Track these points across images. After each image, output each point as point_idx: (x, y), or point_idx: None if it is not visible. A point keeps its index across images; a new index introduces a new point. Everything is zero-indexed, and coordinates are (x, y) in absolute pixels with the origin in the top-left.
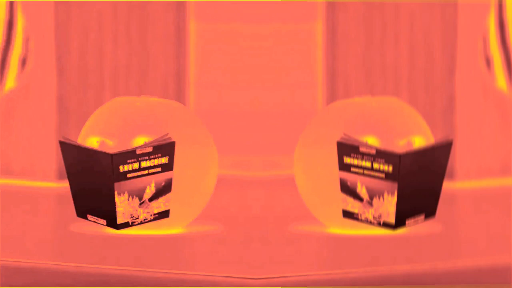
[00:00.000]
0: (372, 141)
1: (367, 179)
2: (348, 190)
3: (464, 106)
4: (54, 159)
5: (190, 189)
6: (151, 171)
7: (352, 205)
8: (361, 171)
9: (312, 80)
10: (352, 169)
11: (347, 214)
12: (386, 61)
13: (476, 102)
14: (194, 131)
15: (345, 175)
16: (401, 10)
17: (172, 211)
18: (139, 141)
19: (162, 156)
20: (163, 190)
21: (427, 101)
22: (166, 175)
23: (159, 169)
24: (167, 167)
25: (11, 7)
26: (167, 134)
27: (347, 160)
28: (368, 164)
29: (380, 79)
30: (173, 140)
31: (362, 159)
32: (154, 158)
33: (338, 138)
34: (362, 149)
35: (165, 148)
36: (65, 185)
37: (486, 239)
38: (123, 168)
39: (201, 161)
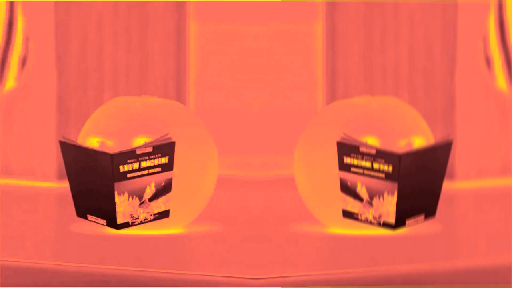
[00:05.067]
0: (372, 141)
1: (367, 179)
2: (348, 190)
3: (464, 106)
4: (54, 159)
5: (190, 189)
6: (151, 171)
7: (352, 205)
8: (361, 171)
9: (312, 80)
10: (352, 169)
11: (347, 214)
12: (386, 61)
13: (476, 102)
14: (194, 131)
15: (345, 175)
16: (400, 10)
17: (172, 211)
18: (139, 141)
19: (162, 156)
20: (163, 190)
21: (427, 101)
22: (166, 175)
23: (159, 169)
24: (167, 167)
25: (11, 7)
26: (167, 134)
27: (347, 160)
28: (368, 164)
29: (380, 79)
30: (173, 140)
31: (362, 159)
32: (154, 158)
33: (338, 138)
34: (362, 149)
35: (165, 148)
36: (65, 185)
37: (486, 239)
38: (123, 168)
39: (201, 161)
